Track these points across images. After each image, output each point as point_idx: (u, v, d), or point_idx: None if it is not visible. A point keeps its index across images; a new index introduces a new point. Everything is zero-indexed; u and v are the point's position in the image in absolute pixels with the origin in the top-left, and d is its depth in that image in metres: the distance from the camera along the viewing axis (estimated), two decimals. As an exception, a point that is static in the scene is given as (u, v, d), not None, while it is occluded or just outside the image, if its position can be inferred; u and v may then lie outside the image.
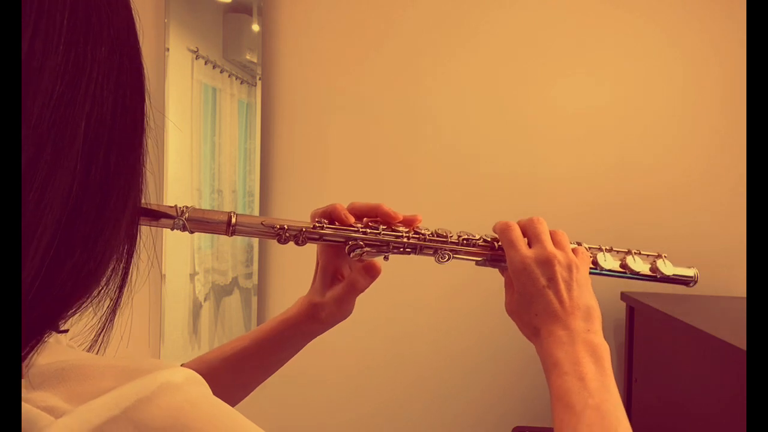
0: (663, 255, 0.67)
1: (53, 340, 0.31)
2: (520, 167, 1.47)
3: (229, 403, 0.32)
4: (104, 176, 0.30)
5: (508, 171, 1.47)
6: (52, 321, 0.30)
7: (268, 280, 1.50)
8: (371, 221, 0.61)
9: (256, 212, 1.46)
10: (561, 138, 1.46)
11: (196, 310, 1.48)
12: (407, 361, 1.49)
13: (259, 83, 1.47)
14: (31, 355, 0.28)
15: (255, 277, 1.49)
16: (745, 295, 1.22)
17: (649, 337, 1.26)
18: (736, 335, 0.90)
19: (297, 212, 1.47)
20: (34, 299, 0.28)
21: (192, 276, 1.47)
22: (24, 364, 0.28)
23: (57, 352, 0.30)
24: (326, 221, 0.60)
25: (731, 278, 1.41)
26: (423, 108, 1.48)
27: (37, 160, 0.27)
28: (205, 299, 1.48)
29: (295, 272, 1.46)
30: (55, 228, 0.28)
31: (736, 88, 1.42)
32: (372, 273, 0.61)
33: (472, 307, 1.46)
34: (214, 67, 1.46)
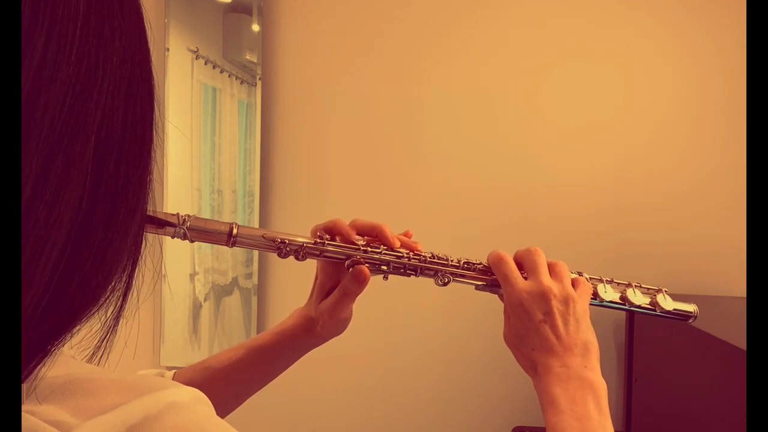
0: (663, 290, 0.67)
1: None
2: (521, 171, 1.46)
3: (221, 413, 0.32)
4: (114, 188, 0.30)
5: (509, 172, 1.46)
6: (60, 334, 0.30)
7: (268, 280, 1.50)
8: (372, 240, 0.61)
9: (256, 212, 1.46)
10: (562, 140, 1.46)
11: (196, 310, 1.48)
12: (407, 362, 1.49)
13: (259, 83, 1.47)
14: (38, 368, 0.28)
15: (255, 277, 1.49)
16: (745, 295, 1.22)
17: (649, 337, 1.26)
18: (736, 335, 0.90)
19: (297, 213, 1.47)
20: (43, 313, 0.27)
21: (192, 276, 1.47)
22: (32, 378, 0.28)
23: (60, 364, 0.30)
24: (328, 237, 0.60)
25: (731, 278, 1.41)
26: (424, 108, 1.48)
27: (47, 173, 0.26)
28: (205, 299, 1.48)
29: (295, 272, 1.45)
30: (64, 242, 0.28)
31: (739, 94, 1.42)
32: (360, 278, 0.60)
33: (472, 308, 1.46)
34: (214, 67, 1.46)
